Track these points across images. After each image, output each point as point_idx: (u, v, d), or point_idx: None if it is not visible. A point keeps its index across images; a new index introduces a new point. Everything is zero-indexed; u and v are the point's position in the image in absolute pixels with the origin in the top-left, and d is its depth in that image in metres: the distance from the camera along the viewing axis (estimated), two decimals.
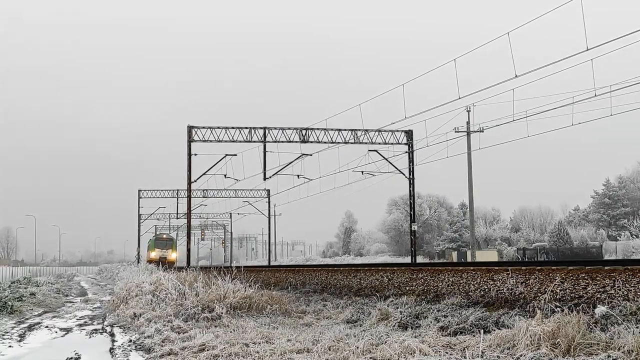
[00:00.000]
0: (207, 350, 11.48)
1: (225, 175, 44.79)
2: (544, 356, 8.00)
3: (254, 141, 40.14)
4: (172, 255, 69.93)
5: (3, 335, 16.69)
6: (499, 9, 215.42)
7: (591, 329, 8.88)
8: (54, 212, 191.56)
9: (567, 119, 29.40)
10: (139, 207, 79.58)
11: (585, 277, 11.02)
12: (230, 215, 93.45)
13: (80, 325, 19.38)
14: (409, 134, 41.80)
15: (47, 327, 18.78)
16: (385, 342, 9.96)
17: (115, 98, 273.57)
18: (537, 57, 32.12)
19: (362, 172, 43.32)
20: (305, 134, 40.20)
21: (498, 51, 26.93)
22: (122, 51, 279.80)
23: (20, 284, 46.10)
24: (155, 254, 69.05)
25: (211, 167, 42.89)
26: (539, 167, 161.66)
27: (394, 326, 12.99)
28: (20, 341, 15.44)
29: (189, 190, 42.20)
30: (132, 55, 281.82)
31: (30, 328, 18.47)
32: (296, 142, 40.28)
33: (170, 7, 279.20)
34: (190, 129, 40.03)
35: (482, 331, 10.15)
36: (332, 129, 40.29)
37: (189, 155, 40.51)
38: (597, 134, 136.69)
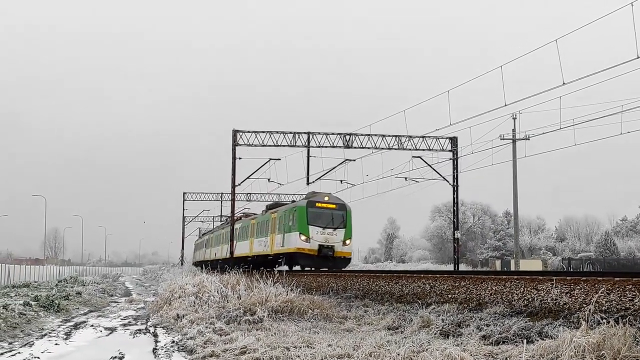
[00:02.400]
0: (249, 353, 11.58)
1: (269, 179, 45.02)
2: None
3: (298, 146, 40.30)
4: (347, 244, 34.29)
5: (50, 333, 17.06)
6: (548, 16, 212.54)
7: (638, 341, 8.72)
8: (101, 213, 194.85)
9: (615, 128, 28.89)
10: (183, 209, 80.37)
11: (632, 289, 10.82)
12: None
13: (125, 325, 19.70)
14: (453, 140, 41.53)
15: (92, 326, 19.14)
16: (427, 349, 9.91)
17: (157, 103, 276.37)
18: (586, 64, 31.65)
19: (406, 178, 43.11)
20: (349, 139, 40.22)
21: (546, 58, 26.62)
22: (161, 51, 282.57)
23: (67, 283, 47.19)
24: (307, 240, 33.36)
25: (255, 171, 43.16)
26: (585, 175, 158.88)
27: (435, 334, 12.92)
28: (66, 339, 15.76)
29: (233, 193, 42.52)
30: (173, 56, 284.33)
31: (76, 326, 18.84)
32: (340, 147, 40.34)
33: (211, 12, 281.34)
34: (235, 132, 40.37)
35: (524, 341, 10.03)
36: (375, 135, 40.25)
37: (234, 158, 40.82)
38: None
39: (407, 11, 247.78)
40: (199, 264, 61.35)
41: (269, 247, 37.02)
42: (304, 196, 36.63)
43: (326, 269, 30.97)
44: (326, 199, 34.64)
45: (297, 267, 34.96)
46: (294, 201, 35.99)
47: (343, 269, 31.28)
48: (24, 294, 30.83)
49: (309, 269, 32.55)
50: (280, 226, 35.68)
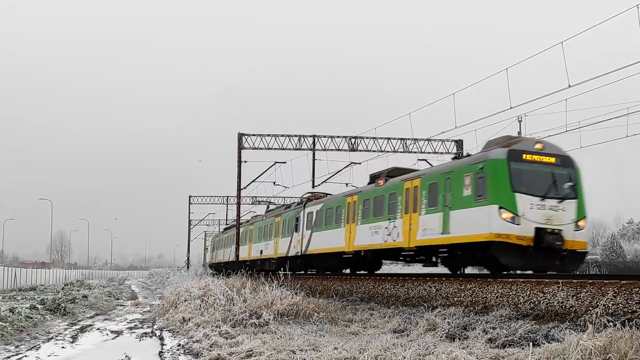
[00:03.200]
0: (254, 356, 11.58)
1: (274, 183, 44.97)
2: None
3: (303, 149, 40.25)
4: (581, 227, 18.25)
5: (56, 336, 17.10)
6: (553, 18, 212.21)
7: None
8: (107, 216, 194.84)
9: (621, 130, 28.81)
10: (189, 212, 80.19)
11: (639, 292, 10.79)
12: None
13: (131, 328, 19.71)
14: (459, 143, 41.41)
15: (98, 329, 19.17)
16: (433, 352, 9.91)
17: (160, 105, 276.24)
18: (592, 66, 31.59)
19: None
20: (354, 142, 40.15)
21: (551, 60, 26.57)
22: (169, 56, 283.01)
23: (73, 287, 47.21)
24: (513, 219, 17.23)
25: (261, 174, 43.15)
26: (591, 178, 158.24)
27: (441, 337, 12.91)
28: (72, 342, 15.79)
29: (239, 197, 42.44)
30: (181, 62, 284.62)
31: (83, 330, 18.87)
32: (345, 150, 40.25)
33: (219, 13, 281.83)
34: (240, 136, 40.35)
35: (531, 344, 10.01)
36: (381, 138, 40.14)
37: (239, 162, 40.76)
38: None
39: (455, 18, 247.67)
40: (222, 266, 49.92)
41: (402, 235, 21.98)
42: (487, 142, 21.00)
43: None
44: (538, 146, 19.30)
45: (463, 269, 21.41)
46: (456, 157, 22.18)
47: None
48: (31, 297, 30.89)
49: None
50: (431, 200, 20.65)
